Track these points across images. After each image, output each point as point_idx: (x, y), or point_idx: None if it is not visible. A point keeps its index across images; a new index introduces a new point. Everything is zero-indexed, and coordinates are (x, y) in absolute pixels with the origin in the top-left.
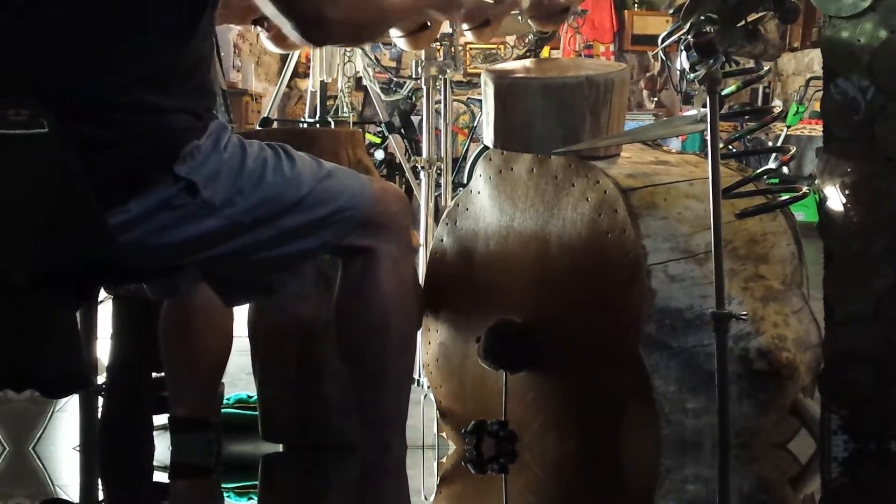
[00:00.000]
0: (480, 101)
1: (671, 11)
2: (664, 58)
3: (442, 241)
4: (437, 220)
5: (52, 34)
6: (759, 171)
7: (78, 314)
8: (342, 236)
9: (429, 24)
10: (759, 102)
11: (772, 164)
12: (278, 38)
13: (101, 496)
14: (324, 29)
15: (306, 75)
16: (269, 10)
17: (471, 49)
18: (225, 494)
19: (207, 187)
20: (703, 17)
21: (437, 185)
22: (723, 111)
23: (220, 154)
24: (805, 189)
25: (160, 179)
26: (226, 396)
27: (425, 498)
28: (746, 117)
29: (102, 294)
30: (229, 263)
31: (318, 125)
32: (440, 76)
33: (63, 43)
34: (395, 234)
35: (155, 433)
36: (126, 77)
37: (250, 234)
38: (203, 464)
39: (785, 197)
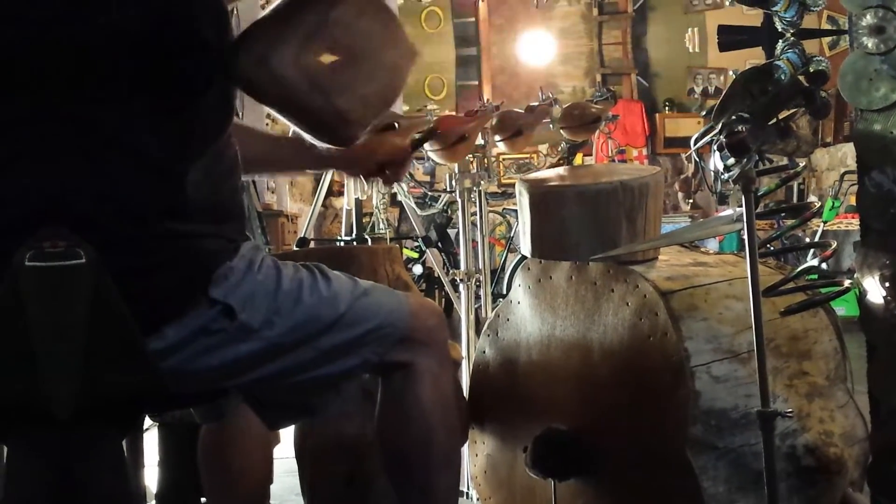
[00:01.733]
0: (516, 211)
1: (702, 113)
2: (697, 159)
3: (484, 352)
4: (478, 332)
5: (77, 166)
6: (799, 269)
7: (124, 442)
8: (381, 354)
9: (466, 136)
10: (795, 199)
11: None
12: None
13: None
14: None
15: (341, 194)
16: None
17: (504, 159)
18: None
19: (244, 310)
20: (734, 117)
21: (477, 297)
22: (758, 209)
23: (253, 275)
24: (845, 284)
25: (196, 304)
26: None
27: None
28: (783, 214)
29: (148, 421)
30: (270, 386)
31: (355, 243)
32: (475, 188)
33: (88, 174)
34: (433, 348)
35: None
36: (152, 207)
37: (290, 356)
38: None
39: (825, 292)
